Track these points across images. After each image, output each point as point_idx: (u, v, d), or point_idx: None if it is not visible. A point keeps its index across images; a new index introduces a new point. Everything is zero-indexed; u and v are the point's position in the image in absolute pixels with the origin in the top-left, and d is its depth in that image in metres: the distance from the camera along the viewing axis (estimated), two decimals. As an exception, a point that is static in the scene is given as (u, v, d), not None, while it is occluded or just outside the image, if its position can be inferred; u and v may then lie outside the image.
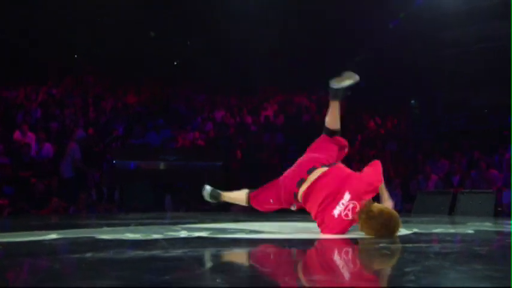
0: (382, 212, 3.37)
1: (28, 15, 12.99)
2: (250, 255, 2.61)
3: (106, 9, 13.83)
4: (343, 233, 3.46)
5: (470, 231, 4.33)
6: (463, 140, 12.24)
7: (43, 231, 3.70)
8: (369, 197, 3.48)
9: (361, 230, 3.41)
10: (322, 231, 3.52)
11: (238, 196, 4.35)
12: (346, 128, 14.24)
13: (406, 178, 11.13)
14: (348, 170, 3.77)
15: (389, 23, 14.80)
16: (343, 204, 3.43)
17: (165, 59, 16.05)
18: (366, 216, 3.32)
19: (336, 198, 3.47)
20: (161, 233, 3.68)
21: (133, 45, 14.89)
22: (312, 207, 3.63)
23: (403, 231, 4.24)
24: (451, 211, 8.32)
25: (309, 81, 15.99)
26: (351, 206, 3.42)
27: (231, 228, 4.44)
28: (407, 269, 2.06)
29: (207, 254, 2.67)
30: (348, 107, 15.45)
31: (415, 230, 4.37)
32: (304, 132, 13.38)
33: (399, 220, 3.45)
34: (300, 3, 14.05)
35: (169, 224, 5.03)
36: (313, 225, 5.04)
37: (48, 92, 12.88)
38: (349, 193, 3.45)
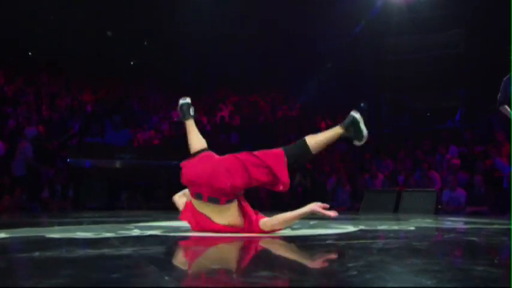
0: None
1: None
2: (198, 253, 2.58)
3: (64, 7, 13.45)
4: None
5: (412, 228, 4.46)
6: (407, 141, 12.60)
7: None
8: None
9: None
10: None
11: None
12: (298, 129, 14.41)
13: (354, 177, 11.34)
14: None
15: (353, 29, 15.11)
16: None
17: (122, 59, 15.75)
18: None
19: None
20: (113, 232, 3.59)
21: (91, 44, 14.53)
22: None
23: (350, 228, 4.32)
24: (396, 209, 8.55)
25: (263, 82, 16.09)
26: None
27: (184, 227, 4.40)
28: (350, 265, 2.09)
29: (157, 252, 2.62)
30: (301, 109, 15.68)
31: (361, 227, 4.46)
32: (259, 133, 13.47)
33: None
34: (253, 10, 14.11)
35: (123, 222, 4.93)
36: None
37: (1, 90, 12.38)
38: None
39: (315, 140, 3.57)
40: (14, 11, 12.94)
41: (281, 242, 3.26)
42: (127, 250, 2.57)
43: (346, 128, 3.61)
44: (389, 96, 15.57)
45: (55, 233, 3.48)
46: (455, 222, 5.65)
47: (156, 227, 4.30)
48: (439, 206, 8.45)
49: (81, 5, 13.71)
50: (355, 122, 3.63)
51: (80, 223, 4.59)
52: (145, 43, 15.58)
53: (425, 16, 14.05)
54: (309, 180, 10.61)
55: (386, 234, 3.96)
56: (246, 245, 3.00)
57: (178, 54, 14.69)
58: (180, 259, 2.44)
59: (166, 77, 14.72)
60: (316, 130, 13.03)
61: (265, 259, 2.41)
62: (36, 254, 2.46)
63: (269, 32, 15.00)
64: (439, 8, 14.03)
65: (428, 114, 14.63)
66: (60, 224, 4.46)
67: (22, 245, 2.94)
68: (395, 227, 4.71)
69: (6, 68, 13.53)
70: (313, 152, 3.59)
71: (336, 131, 3.63)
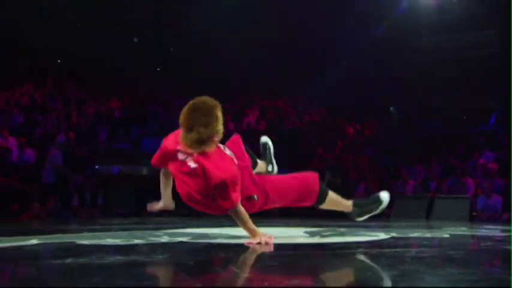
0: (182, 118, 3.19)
1: (11, 21, 12.81)
2: (228, 259, 2.59)
3: (91, 15, 13.75)
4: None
5: (446, 236, 4.38)
6: (438, 146, 12.38)
7: (24, 237, 3.64)
8: None
9: (191, 142, 3.12)
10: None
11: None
12: (326, 134, 14.32)
13: (384, 183, 11.19)
14: None
15: (374, 30, 14.97)
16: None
17: (147, 65, 15.97)
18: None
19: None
20: (143, 238, 3.65)
21: (118, 51, 14.80)
22: None
23: (381, 235, 4.28)
24: (428, 215, 8.41)
25: (288, 86, 16.09)
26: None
27: (212, 234, 4.43)
28: (384, 274, 2.07)
29: (187, 259, 2.65)
30: (328, 113, 15.59)
31: (393, 234, 4.40)
32: (286, 138, 13.43)
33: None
34: (281, 12, 14.13)
35: (152, 229, 4.99)
36: (291, 230, 5.06)
37: (31, 97, 12.70)
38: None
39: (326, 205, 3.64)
40: (42, 20, 13.28)
41: (312, 250, 3.26)
42: (157, 257, 2.61)
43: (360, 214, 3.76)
44: (419, 99, 15.35)
45: (85, 240, 3.55)
46: (491, 230, 5.52)
47: (185, 234, 4.33)
48: (474, 213, 8.27)
49: (108, 13, 13.98)
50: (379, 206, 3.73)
51: (109, 230, 4.66)
52: (171, 49, 15.76)
53: (456, 16, 13.83)
54: (339, 178, 10.39)
55: (419, 242, 3.90)
56: (276, 252, 3.01)
57: (203, 60, 14.82)
58: (210, 266, 2.46)
59: (192, 83, 14.86)
60: (344, 135, 12.88)
61: (296, 267, 2.40)
62: (69, 260, 2.52)
63: (293, 36, 14.99)
64: (470, 8, 13.78)
65: (464, 118, 14.32)
66: (89, 231, 4.55)
67: (54, 252, 3.02)
68: (428, 235, 4.64)
69: (35, 76, 13.89)
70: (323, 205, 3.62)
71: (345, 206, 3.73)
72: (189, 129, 3.12)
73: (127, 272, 2.22)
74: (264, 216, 8.15)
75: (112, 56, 14.62)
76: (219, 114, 3.21)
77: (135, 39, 15.82)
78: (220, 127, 3.21)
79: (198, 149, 3.13)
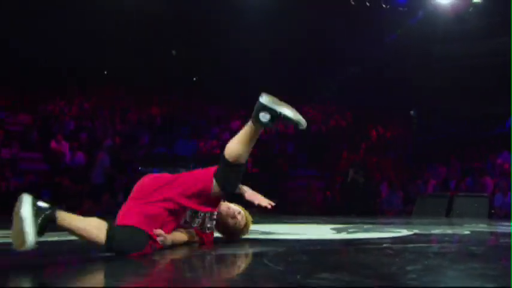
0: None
1: (64, 39, 13.16)
2: (264, 255, 2.59)
3: (132, 28, 13.97)
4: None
5: (467, 232, 4.28)
6: (458, 147, 12.12)
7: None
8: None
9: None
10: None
11: None
12: (351, 137, 14.18)
13: (406, 183, 11.01)
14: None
15: (386, 37, 14.78)
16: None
17: (185, 75, 16.14)
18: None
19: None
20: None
21: (157, 62, 15.02)
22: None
23: (404, 231, 4.20)
24: (448, 213, 8.23)
25: (314, 92, 16.00)
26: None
27: (262, 230, 4.40)
28: (408, 268, 2.03)
29: (223, 253, 2.66)
30: (353, 117, 15.44)
31: (416, 231, 4.32)
32: (313, 141, 13.36)
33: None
34: (300, 22, 14.02)
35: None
36: (320, 227, 5.02)
37: (81, 106, 13.01)
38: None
39: (230, 149, 2.66)
40: (89, 34, 13.58)
41: (339, 245, 3.23)
42: (197, 251, 2.63)
43: (256, 120, 2.61)
44: (439, 103, 15.04)
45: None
46: (509, 227, 5.36)
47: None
48: (492, 211, 8.05)
49: (148, 26, 14.18)
50: (264, 107, 2.63)
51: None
52: (208, 60, 15.90)
53: (473, 24, 13.51)
54: (362, 177, 10.22)
55: (441, 238, 3.82)
56: (306, 249, 2.99)
57: (233, 71, 14.89)
58: (245, 260, 2.46)
59: (226, 91, 14.94)
60: (368, 138, 12.66)
61: (325, 261, 2.39)
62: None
63: (318, 44, 14.89)
64: (486, 16, 13.45)
65: (481, 120, 13.95)
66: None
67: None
68: (450, 231, 4.54)
69: (84, 85, 14.24)
70: (232, 161, 2.63)
71: (248, 127, 2.65)
72: None
73: (191, 264, 2.24)
74: (293, 214, 8.13)
75: (153, 68, 14.86)
76: None
77: (174, 52, 16.02)
78: None
79: None
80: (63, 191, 8.96)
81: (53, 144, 10.46)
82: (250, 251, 2.73)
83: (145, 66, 14.68)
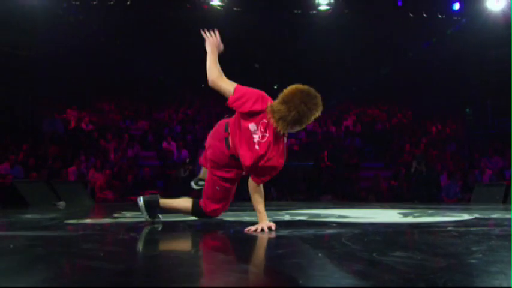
0: (287, 94, 2.61)
1: (165, 58, 13.81)
2: (342, 236, 2.56)
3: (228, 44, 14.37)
4: (282, 152, 2.70)
5: (528, 218, 3.90)
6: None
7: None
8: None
9: (283, 127, 2.56)
10: (272, 164, 2.72)
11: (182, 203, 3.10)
12: (413, 133, 13.52)
13: (465, 172, 10.29)
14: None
15: (423, 44, 13.99)
16: (254, 132, 2.66)
17: (267, 83, 16.29)
18: (277, 109, 2.58)
19: (246, 134, 2.68)
20: (270, 217, 3.73)
21: (242, 74, 15.30)
22: (244, 156, 2.74)
23: (465, 216, 3.93)
24: (505, 200, 7.55)
25: (379, 95, 15.47)
26: (260, 127, 2.66)
27: (323, 214, 4.40)
28: (474, 248, 1.92)
29: (308, 233, 2.66)
30: (414, 116, 14.70)
31: (476, 215, 4.04)
32: (377, 137, 12.95)
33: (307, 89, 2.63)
34: (357, 28, 13.55)
35: (275, 210, 5.10)
36: (387, 212, 4.84)
37: (185, 112, 13.65)
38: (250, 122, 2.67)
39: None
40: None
41: (407, 227, 3.10)
42: (283, 232, 2.66)
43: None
44: (493, 101, 13.87)
45: (229, 217, 3.73)
46: None
47: (302, 214, 4.36)
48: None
49: (231, 47, 14.50)
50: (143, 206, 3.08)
51: (244, 210, 4.84)
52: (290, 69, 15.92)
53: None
54: (424, 167, 9.65)
55: (501, 222, 3.53)
56: (378, 230, 2.91)
57: (309, 78, 14.78)
58: (326, 240, 2.45)
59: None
60: (428, 134, 12.04)
61: (396, 242, 2.30)
62: (220, 232, 2.67)
63: (380, 48, 14.34)
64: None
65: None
66: (231, 211, 4.75)
67: (208, 226, 3.20)
68: (508, 216, 4.17)
69: (184, 95, 14.95)
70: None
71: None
72: (290, 107, 2.55)
73: (262, 243, 2.29)
74: (363, 201, 7.90)
75: (240, 79, 15.17)
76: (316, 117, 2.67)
77: (257, 65, 16.22)
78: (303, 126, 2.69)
79: (284, 128, 2.58)
80: (173, 182, 9.45)
81: (164, 144, 11.07)
82: (329, 231, 2.71)
83: (235, 78, 15.03)
